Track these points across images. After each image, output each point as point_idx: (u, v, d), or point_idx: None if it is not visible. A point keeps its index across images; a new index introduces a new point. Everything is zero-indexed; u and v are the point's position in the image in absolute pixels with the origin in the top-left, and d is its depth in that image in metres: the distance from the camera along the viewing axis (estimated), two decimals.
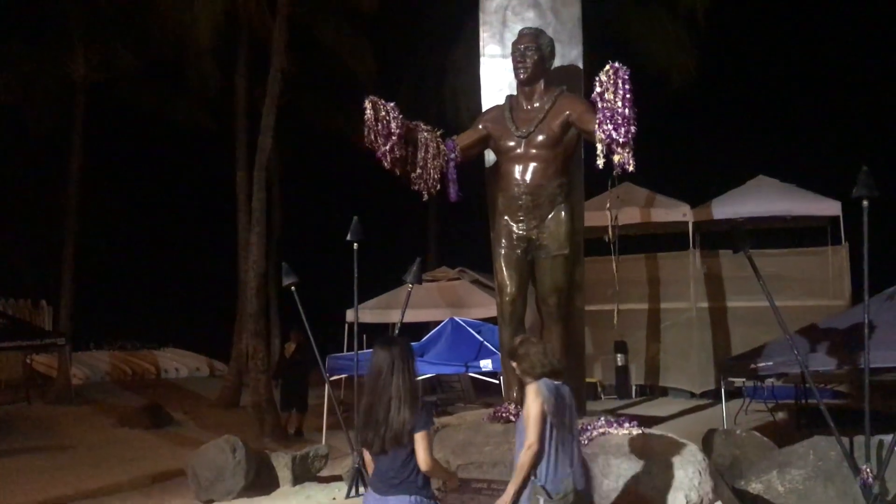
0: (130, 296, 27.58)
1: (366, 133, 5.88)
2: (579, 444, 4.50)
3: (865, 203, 6.71)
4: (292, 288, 9.33)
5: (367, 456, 4.17)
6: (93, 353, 23.22)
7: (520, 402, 6.11)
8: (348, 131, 17.92)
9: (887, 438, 6.86)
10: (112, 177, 24.67)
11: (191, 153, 23.77)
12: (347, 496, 8.68)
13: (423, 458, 3.96)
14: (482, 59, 7.19)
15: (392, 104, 5.90)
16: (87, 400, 18.07)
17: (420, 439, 3.96)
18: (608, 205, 6.12)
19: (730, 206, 16.22)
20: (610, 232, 6.16)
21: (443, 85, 20.77)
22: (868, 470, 6.57)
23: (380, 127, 5.84)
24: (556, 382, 4.37)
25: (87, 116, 19.61)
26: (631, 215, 15.66)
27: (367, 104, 5.84)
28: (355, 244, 8.70)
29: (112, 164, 24.44)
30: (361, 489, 8.75)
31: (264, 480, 9.19)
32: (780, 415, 13.17)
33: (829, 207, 15.76)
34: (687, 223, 16.44)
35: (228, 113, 18.92)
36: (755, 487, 6.90)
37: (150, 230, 27.74)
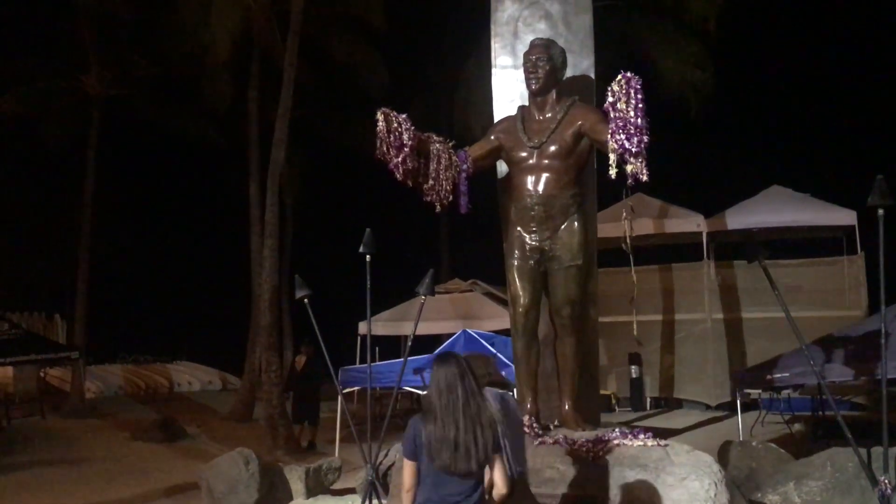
0: (143, 310, 27.72)
1: (378, 145, 5.88)
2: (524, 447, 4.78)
3: (881, 212, 6.65)
4: (305, 300, 9.31)
5: (409, 477, 3.91)
6: (106, 367, 23.33)
7: (534, 413, 6.09)
8: (360, 144, 17.97)
9: None
10: (126, 191, 24.85)
11: (204, 167, 23.92)
12: None
13: (501, 481, 3.92)
14: (494, 71, 7.19)
15: (404, 116, 5.90)
16: (100, 413, 18.15)
17: (498, 460, 3.92)
18: (624, 215, 6.07)
19: (744, 217, 16.14)
20: (627, 241, 6.11)
21: (454, 97, 20.84)
22: (886, 482, 6.48)
23: (392, 138, 5.83)
24: (499, 391, 4.63)
25: (102, 131, 19.80)
26: (644, 226, 15.58)
27: (380, 116, 5.84)
28: (368, 256, 8.69)
29: (126, 178, 24.63)
30: (375, 502, 8.74)
31: (278, 493, 9.19)
32: (797, 426, 13.04)
33: (845, 217, 15.66)
34: (701, 234, 16.36)
35: (241, 127, 19.03)
36: (772, 499, 6.84)
37: (163, 244, 27.88)
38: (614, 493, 5.18)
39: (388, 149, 5.86)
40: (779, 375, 9.86)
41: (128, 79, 19.35)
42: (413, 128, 5.90)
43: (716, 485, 5.19)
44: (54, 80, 18.99)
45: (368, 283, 8.93)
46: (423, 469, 3.88)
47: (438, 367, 3.96)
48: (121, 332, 25.76)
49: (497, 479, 3.92)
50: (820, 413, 12.37)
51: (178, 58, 18.50)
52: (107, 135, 20.29)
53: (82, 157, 19.67)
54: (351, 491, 9.35)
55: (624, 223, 6.03)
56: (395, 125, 5.84)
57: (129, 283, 26.89)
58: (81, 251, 19.41)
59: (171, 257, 28.21)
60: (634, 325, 7.22)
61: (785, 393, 12.60)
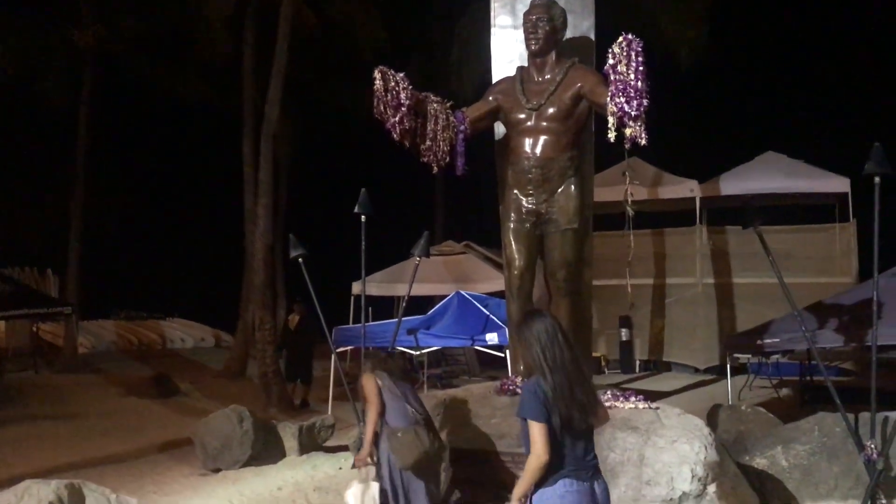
0: (137, 266, 27.67)
1: (375, 104, 5.83)
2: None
3: (877, 179, 6.67)
4: (299, 260, 9.33)
5: (545, 441, 3.53)
6: (99, 323, 23.34)
7: (527, 375, 6.15)
8: (356, 103, 17.83)
9: (892, 415, 6.88)
10: (119, 148, 24.66)
11: (198, 124, 23.73)
12: (353, 466, 8.76)
13: (603, 412, 3.85)
14: (493, 30, 7.12)
15: (402, 75, 5.84)
16: (93, 369, 18.20)
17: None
18: (627, 176, 6.06)
19: (738, 183, 16.15)
20: (629, 204, 6.10)
21: (452, 56, 20.62)
22: (872, 446, 6.59)
23: (389, 98, 5.78)
24: None
25: (95, 87, 19.58)
26: (639, 191, 15.58)
27: (377, 74, 5.78)
28: (363, 217, 8.68)
29: (120, 135, 24.42)
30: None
31: (271, 450, 9.28)
32: (785, 391, 13.19)
33: (838, 184, 15.69)
34: (694, 199, 16.39)
35: (236, 85, 18.84)
36: (759, 462, 6.93)
37: (157, 201, 27.79)
38: (606, 454, 5.24)
39: (385, 108, 5.82)
40: (769, 340, 9.95)
41: (121, 35, 19.07)
42: (411, 87, 5.86)
43: (705, 447, 5.27)
44: (47, 35, 18.71)
45: (363, 243, 8.94)
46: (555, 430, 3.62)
47: (533, 323, 3.76)
48: (114, 289, 25.74)
49: (601, 416, 3.83)
50: (808, 378, 12.52)
51: (173, 14, 18.23)
52: (100, 91, 20.06)
53: (75, 113, 19.48)
54: (344, 448, 9.44)
55: (627, 184, 6.00)
56: (393, 84, 5.79)
57: (123, 239, 26.81)
58: (74, 207, 19.31)
59: (164, 214, 28.13)
60: (629, 288, 7.25)
61: (774, 358, 12.72)
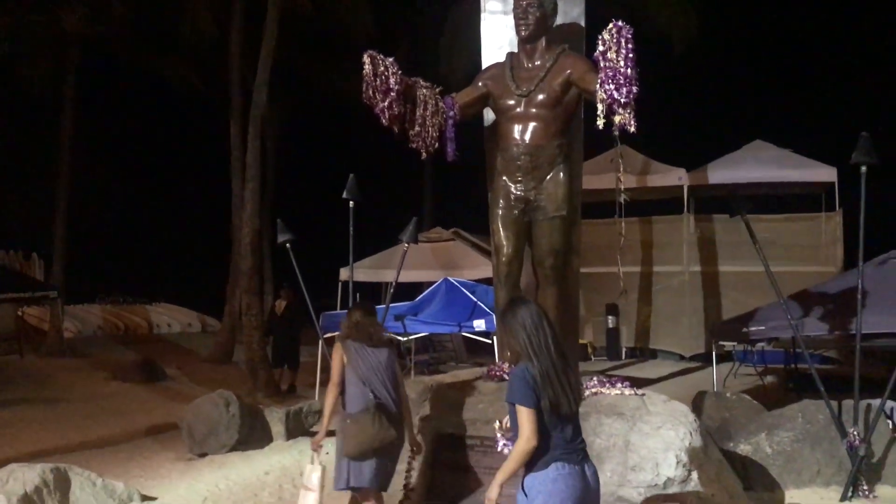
0: (123, 251, 27.53)
1: (364, 88, 5.80)
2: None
3: (864, 169, 6.72)
4: (287, 245, 9.33)
5: (532, 426, 3.58)
6: (84, 307, 23.20)
7: (514, 361, 6.16)
8: (345, 87, 17.75)
9: (875, 403, 6.96)
10: (105, 131, 24.46)
11: (185, 108, 23.56)
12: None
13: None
14: (483, 16, 7.09)
15: (391, 59, 5.81)
16: (79, 353, 18.12)
17: None
18: (620, 162, 6.05)
19: (725, 171, 16.21)
20: (621, 192, 6.09)
21: (443, 41, 20.54)
22: (855, 433, 6.67)
23: (378, 82, 5.75)
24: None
25: (81, 69, 19.40)
26: (627, 179, 15.52)
27: (366, 59, 5.75)
28: (351, 202, 8.67)
29: (106, 117, 24.22)
30: None
31: (258, 435, 9.30)
32: (769, 379, 13.30)
33: (825, 173, 15.78)
34: (682, 187, 16.44)
35: (223, 68, 18.71)
36: (744, 449, 7.01)
37: (143, 185, 27.60)
38: (592, 440, 5.27)
39: (374, 93, 5.78)
40: (755, 328, 10.02)
41: (107, 17, 18.87)
42: (400, 72, 5.83)
43: (690, 434, 5.30)
44: (31, 16, 18.49)
45: (351, 229, 8.94)
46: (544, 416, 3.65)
47: (518, 310, 3.82)
48: (100, 273, 25.62)
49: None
50: (792, 366, 12.62)
51: None
52: (86, 74, 19.88)
53: (61, 96, 19.30)
54: (331, 434, 9.44)
55: (619, 172, 5.99)
56: (382, 69, 5.76)
57: (109, 223, 26.65)
58: (60, 190, 19.16)
59: (151, 198, 27.97)
60: (620, 275, 7.27)
61: (758, 345, 12.81)
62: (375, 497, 5.32)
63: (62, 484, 6.57)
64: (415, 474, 5.62)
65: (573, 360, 3.90)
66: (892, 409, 8.61)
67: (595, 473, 3.80)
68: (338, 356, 5.44)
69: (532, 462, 3.63)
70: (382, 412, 5.20)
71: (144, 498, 7.12)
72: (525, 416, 3.60)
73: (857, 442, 6.62)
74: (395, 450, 5.36)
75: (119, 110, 25.16)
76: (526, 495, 3.65)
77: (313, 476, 5.43)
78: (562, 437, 3.68)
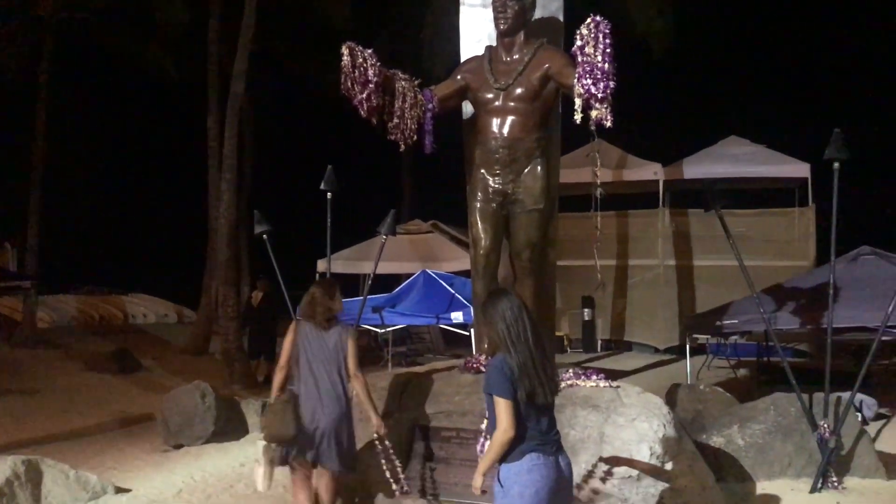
0: (98, 240, 27.24)
1: (342, 80, 5.78)
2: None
3: (837, 165, 6.81)
4: (264, 236, 9.29)
5: (511, 417, 3.63)
6: (59, 297, 22.94)
7: (491, 353, 6.19)
8: (323, 78, 17.67)
9: (845, 395, 7.07)
10: (81, 118, 24.14)
11: (162, 97, 23.35)
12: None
13: None
14: (462, 9, 7.09)
15: (370, 51, 5.81)
16: (53, 344, 17.92)
17: None
18: (597, 160, 6.08)
19: (700, 166, 16.36)
20: (597, 185, 6.13)
21: (423, 34, 20.50)
22: (825, 425, 6.77)
23: (357, 74, 5.74)
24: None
25: (55, 57, 19.13)
26: (603, 174, 15.61)
27: (345, 50, 5.73)
28: (329, 193, 8.66)
29: (81, 105, 23.90)
30: None
31: (234, 426, 9.27)
32: (742, 371, 13.47)
33: (799, 169, 15.96)
34: (658, 182, 16.56)
35: (200, 58, 18.56)
36: (716, 441, 7.09)
37: (119, 174, 27.32)
38: (566, 432, 5.32)
39: (352, 84, 5.78)
40: (728, 322, 10.15)
41: (82, 2, 18.63)
42: (379, 64, 5.82)
43: (664, 426, 5.35)
44: (5, 1, 18.21)
45: (329, 220, 8.92)
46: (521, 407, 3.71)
47: (498, 301, 3.85)
48: (75, 263, 25.32)
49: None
50: (765, 359, 12.79)
51: None
52: (61, 61, 19.61)
53: (35, 83, 19.04)
54: None
55: (596, 167, 6.03)
56: (361, 60, 5.75)
57: (84, 212, 26.34)
58: (33, 179, 18.90)
59: (127, 188, 27.69)
60: (598, 268, 7.31)
61: (732, 339, 12.97)
62: (327, 476, 5.39)
63: (34, 476, 6.51)
64: (394, 461, 5.55)
65: (551, 352, 3.93)
66: (861, 402, 8.79)
67: (569, 464, 3.88)
68: (289, 337, 5.53)
69: (507, 453, 3.69)
70: (304, 402, 5.31)
71: (118, 490, 7.07)
72: (503, 407, 3.65)
73: (827, 434, 6.73)
74: (339, 433, 5.33)
75: (95, 98, 24.83)
76: (502, 486, 3.70)
77: (260, 446, 5.43)
78: (537, 429, 3.73)
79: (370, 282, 10.26)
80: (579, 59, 5.34)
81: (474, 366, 6.21)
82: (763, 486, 6.77)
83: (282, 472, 5.66)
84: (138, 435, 9.68)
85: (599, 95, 5.29)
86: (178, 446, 8.90)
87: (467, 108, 6.73)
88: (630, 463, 5.16)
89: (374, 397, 5.56)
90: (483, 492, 3.82)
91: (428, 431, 5.75)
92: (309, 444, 5.30)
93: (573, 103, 5.52)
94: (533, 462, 3.68)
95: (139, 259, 27.53)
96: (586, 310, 17.07)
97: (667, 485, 5.25)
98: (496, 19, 6.26)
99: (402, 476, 5.54)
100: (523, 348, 3.72)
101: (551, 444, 3.77)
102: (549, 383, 3.78)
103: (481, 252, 6.27)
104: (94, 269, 25.72)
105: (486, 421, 4.21)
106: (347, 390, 5.44)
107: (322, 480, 5.43)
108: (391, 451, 5.50)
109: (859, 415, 8.51)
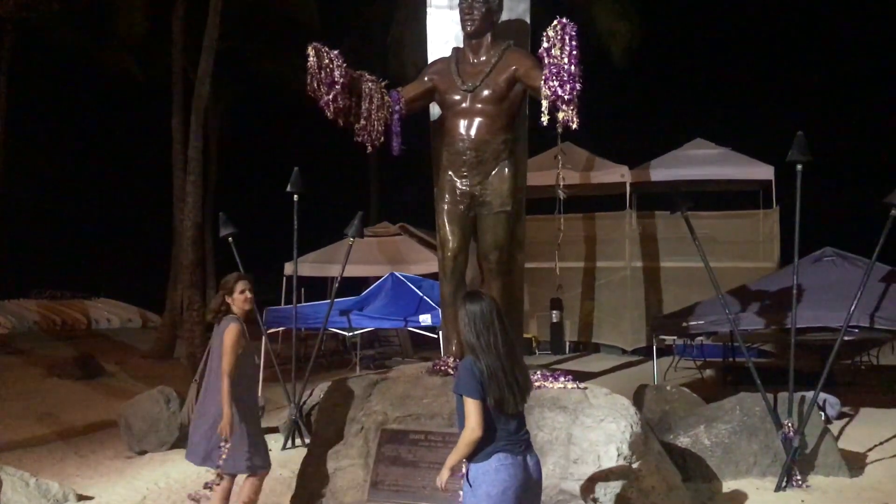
0: (60, 244, 26.82)
1: (308, 81, 5.74)
2: None
3: (799, 167, 6.90)
4: (230, 239, 9.21)
5: (479, 417, 3.69)
6: (20, 302, 22.57)
7: (459, 356, 6.17)
8: (289, 79, 17.56)
9: (808, 395, 7.16)
10: (41, 120, 23.77)
11: (125, 98, 23.07)
12: (283, 448, 8.72)
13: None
14: (429, 10, 7.07)
15: (336, 52, 5.77)
16: (13, 350, 17.61)
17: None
18: (559, 158, 6.08)
19: (667, 169, 16.49)
20: (560, 187, 6.14)
21: (388, 35, 20.46)
22: (790, 424, 6.85)
23: (323, 75, 5.71)
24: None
25: (14, 57, 18.80)
26: (571, 176, 15.75)
27: (311, 51, 5.69)
28: (295, 196, 8.60)
29: (41, 105, 23.54)
30: (298, 441, 8.81)
31: None
32: (708, 372, 13.59)
33: (763, 171, 16.16)
34: (625, 184, 16.67)
35: (164, 59, 18.35)
36: (683, 441, 7.14)
37: (81, 176, 26.92)
38: (535, 433, 5.31)
39: (318, 85, 5.73)
40: (694, 323, 10.23)
41: (43, 2, 18.32)
42: (345, 65, 5.79)
43: (631, 426, 5.37)
44: None
45: (296, 222, 8.87)
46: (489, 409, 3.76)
47: (471, 305, 3.86)
48: (36, 267, 24.92)
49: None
50: (730, 359, 12.93)
51: None
52: (20, 61, 19.27)
53: None
54: (274, 430, 9.38)
55: (558, 167, 6.04)
56: (327, 61, 5.71)
57: (45, 216, 25.94)
58: None
59: (89, 190, 27.30)
60: (557, 270, 7.33)
61: (698, 340, 13.09)
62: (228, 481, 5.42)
63: None
64: (224, 455, 5.27)
65: (521, 356, 3.95)
66: (824, 401, 8.91)
67: (537, 464, 3.91)
68: (235, 331, 5.52)
69: (475, 452, 3.73)
70: (199, 393, 5.48)
71: (81, 497, 6.96)
72: (471, 406, 3.70)
73: (791, 433, 6.81)
74: (211, 429, 5.27)
75: (57, 100, 24.48)
76: (470, 485, 3.74)
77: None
78: (505, 430, 3.78)
79: (338, 285, 10.20)
80: (546, 60, 5.35)
81: (442, 368, 6.19)
82: (729, 486, 6.83)
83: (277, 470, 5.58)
84: (101, 441, 9.52)
85: (566, 97, 5.29)
86: (143, 452, 8.77)
87: (434, 110, 6.71)
88: (598, 464, 5.17)
89: (229, 399, 5.23)
90: (446, 490, 3.87)
91: (396, 434, 5.71)
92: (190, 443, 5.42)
93: (540, 105, 5.53)
94: (500, 462, 3.72)
95: (103, 263, 27.15)
96: (554, 312, 17.12)
97: (634, 485, 5.27)
98: (463, 21, 6.25)
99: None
100: (493, 356, 3.76)
101: (519, 444, 3.81)
102: (520, 391, 3.82)
103: (449, 254, 6.25)
104: (56, 274, 25.33)
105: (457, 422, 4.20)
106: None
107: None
108: (224, 450, 5.25)
109: (823, 414, 8.62)
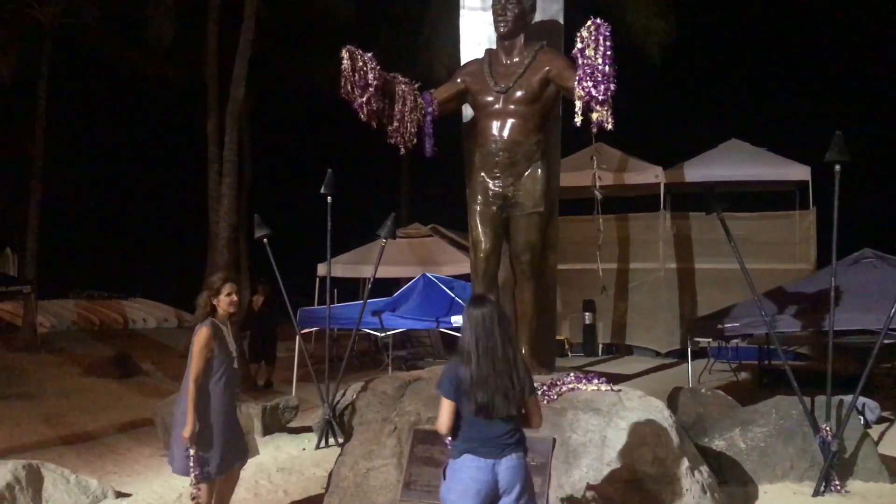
0: (98, 245, 27.28)
1: (342, 84, 5.79)
2: None
3: (837, 167, 6.79)
4: (264, 240, 9.29)
5: (448, 416, 3.88)
6: (59, 302, 22.99)
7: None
8: (323, 82, 17.66)
9: (847, 399, 7.04)
10: (80, 125, 24.19)
11: (162, 101, 23.36)
12: (317, 447, 8.78)
13: (537, 418, 4.01)
14: (462, 12, 7.10)
15: (370, 55, 5.81)
16: (53, 349, 17.93)
17: (535, 400, 4.01)
18: (594, 160, 6.08)
19: (701, 169, 16.33)
20: (597, 188, 6.13)
21: (421, 37, 20.50)
22: (827, 428, 6.75)
23: (357, 78, 5.75)
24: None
25: (54, 62, 19.16)
26: (604, 176, 15.60)
27: (345, 54, 5.74)
28: (329, 197, 8.65)
29: (81, 111, 23.95)
30: (332, 440, 8.87)
31: None
32: (743, 375, 13.43)
33: (799, 172, 15.93)
34: (659, 185, 16.54)
35: (200, 62, 18.56)
36: (718, 444, 7.06)
37: (119, 179, 27.37)
38: (568, 435, 5.30)
39: (352, 88, 5.78)
40: (730, 325, 10.11)
41: (80, 8, 18.65)
42: (379, 67, 5.83)
43: (667, 429, 5.34)
44: (5, 9, 18.24)
45: (329, 224, 8.92)
46: (464, 411, 3.87)
47: (474, 309, 3.92)
48: (75, 268, 25.38)
49: (534, 416, 4.00)
50: (766, 362, 12.75)
51: None
52: (60, 67, 19.64)
53: (34, 89, 19.06)
54: (308, 430, 9.45)
55: (594, 168, 6.02)
56: (361, 64, 5.76)
57: (84, 218, 26.39)
58: (33, 184, 18.92)
59: (127, 193, 27.73)
60: (600, 272, 7.31)
61: (733, 342, 12.93)
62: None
63: (35, 481, 6.50)
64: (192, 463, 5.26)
65: (523, 365, 3.98)
66: (863, 405, 8.76)
67: (516, 467, 3.87)
68: (205, 333, 5.49)
69: (451, 450, 3.96)
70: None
71: (119, 494, 7.06)
72: (443, 406, 3.91)
73: (829, 437, 6.70)
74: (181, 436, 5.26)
75: (94, 104, 24.88)
76: (444, 478, 3.97)
77: None
78: (483, 433, 3.86)
79: (370, 285, 10.24)
80: (580, 61, 5.34)
81: None
82: (765, 490, 6.74)
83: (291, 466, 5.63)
84: (138, 439, 9.65)
85: (600, 98, 5.28)
86: None
87: (467, 112, 6.73)
88: (632, 467, 5.14)
89: (192, 405, 5.22)
90: None
91: (429, 435, 5.72)
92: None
93: (573, 106, 5.52)
94: (465, 463, 3.86)
95: (139, 264, 27.56)
96: (587, 313, 17.02)
97: (668, 488, 5.23)
98: (496, 22, 6.26)
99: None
100: (487, 362, 3.83)
101: (496, 447, 3.86)
102: (513, 395, 3.85)
103: (481, 255, 6.26)
104: (94, 274, 25.76)
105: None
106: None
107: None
108: (191, 458, 5.21)
109: (861, 418, 8.47)
